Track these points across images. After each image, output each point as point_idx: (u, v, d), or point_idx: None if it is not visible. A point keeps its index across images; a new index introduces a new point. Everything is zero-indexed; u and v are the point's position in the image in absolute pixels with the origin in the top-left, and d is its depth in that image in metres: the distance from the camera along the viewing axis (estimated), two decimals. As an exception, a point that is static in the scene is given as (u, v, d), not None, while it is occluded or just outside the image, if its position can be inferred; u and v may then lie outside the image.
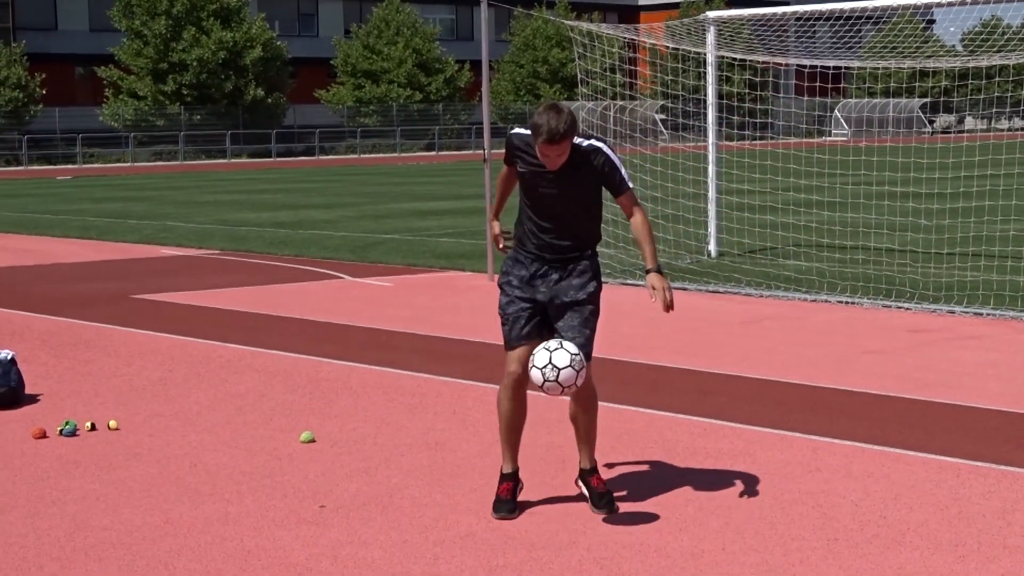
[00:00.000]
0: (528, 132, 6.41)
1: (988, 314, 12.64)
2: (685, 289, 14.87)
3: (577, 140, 6.39)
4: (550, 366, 6.18)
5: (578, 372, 6.21)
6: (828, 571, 5.68)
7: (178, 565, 5.88)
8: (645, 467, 7.43)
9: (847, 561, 5.79)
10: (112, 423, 8.54)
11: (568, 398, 6.61)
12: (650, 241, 6.55)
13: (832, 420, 8.49)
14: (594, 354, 10.76)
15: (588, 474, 6.72)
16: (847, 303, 13.58)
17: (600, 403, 8.97)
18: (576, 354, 6.22)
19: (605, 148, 6.45)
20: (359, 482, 7.19)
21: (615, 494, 6.74)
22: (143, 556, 6.00)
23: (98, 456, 7.84)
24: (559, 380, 6.18)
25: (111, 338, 12.19)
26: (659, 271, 6.51)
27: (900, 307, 13.21)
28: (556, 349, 6.22)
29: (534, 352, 6.29)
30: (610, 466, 7.44)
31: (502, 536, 6.22)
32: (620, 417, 8.65)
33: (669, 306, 6.48)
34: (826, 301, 13.75)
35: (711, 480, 7.12)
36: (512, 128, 6.65)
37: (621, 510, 6.58)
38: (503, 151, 6.78)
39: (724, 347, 11.31)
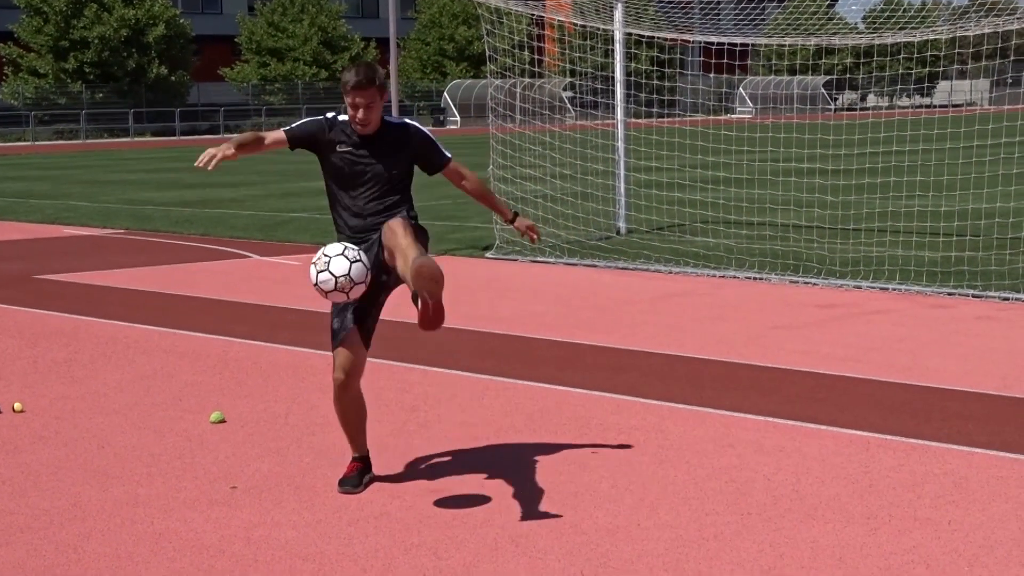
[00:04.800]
0: (346, 119, 6.49)
1: (894, 289, 12.79)
2: (595, 266, 14.90)
3: (388, 118, 6.49)
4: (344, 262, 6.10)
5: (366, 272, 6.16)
6: (742, 546, 5.70)
7: (88, 548, 5.78)
8: (559, 444, 7.42)
9: (761, 535, 5.83)
10: (17, 405, 8.39)
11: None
12: (493, 192, 6.85)
13: (744, 395, 8.54)
14: (504, 332, 10.79)
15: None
16: (755, 279, 13.68)
17: (511, 380, 9.03)
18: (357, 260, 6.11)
19: (417, 124, 6.57)
20: (271, 462, 7.12)
21: (529, 472, 6.75)
22: (51, 540, 5.89)
23: (3, 439, 7.69)
24: (351, 275, 6.07)
25: (14, 319, 11.98)
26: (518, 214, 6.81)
27: (808, 283, 13.33)
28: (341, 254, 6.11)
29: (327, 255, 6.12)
30: (523, 444, 7.43)
31: (417, 515, 6.18)
32: (532, 395, 8.65)
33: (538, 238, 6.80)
34: (734, 277, 13.83)
35: (625, 457, 7.14)
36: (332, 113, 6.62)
37: (537, 487, 6.56)
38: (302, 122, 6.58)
39: (635, 324, 11.34)
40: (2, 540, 5.91)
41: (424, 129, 6.57)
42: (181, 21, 69.35)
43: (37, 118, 65.19)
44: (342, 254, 6.07)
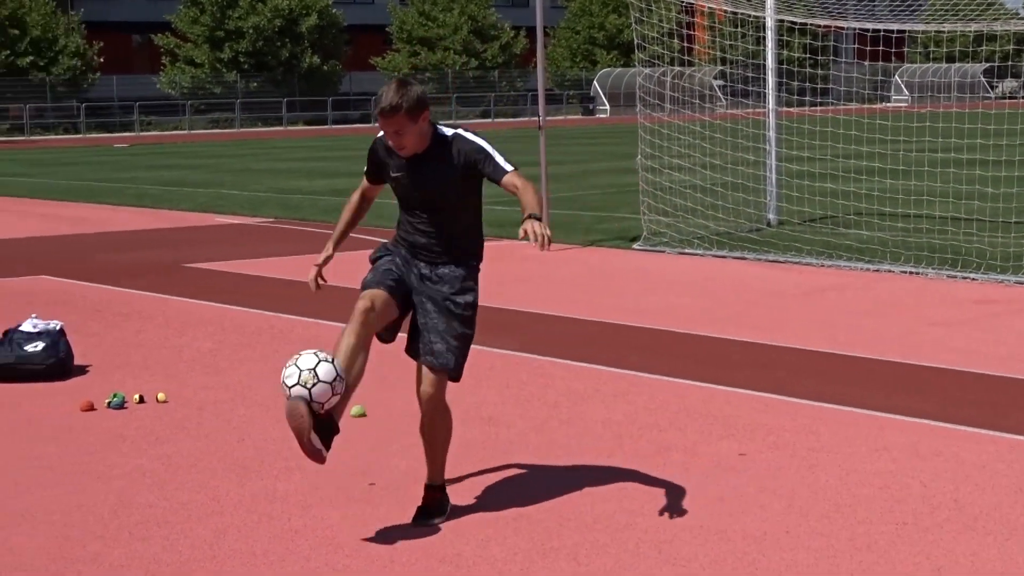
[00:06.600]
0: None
1: (1058, 285, 12.30)
2: (744, 259, 14.60)
3: (440, 131, 5.90)
4: (311, 371, 5.59)
5: (333, 393, 5.60)
6: (897, 557, 5.43)
7: (223, 545, 5.72)
8: (704, 445, 7.20)
9: (917, 546, 5.55)
10: (161, 395, 8.41)
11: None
12: (534, 192, 5.77)
13: (899, 396, 8.22)
14: (649, 326, 10.57)
15: (426, 488, 6.13)
16: (911, 273, 13.27)
17: (656, 376, 8.81)
18: (340, 378, 5.63)
19: (468, 133, 5.91)
20: (410, 459, 6.99)
21: (673, 473, 6.56)
22: (188, 535, 5.84)
23: (146, 430, 7.70)
24: (312, 393, 5.57)
25: (163, 308, 12.07)
26: (536, 218, 5.60)
27: (966, 277, 12.89)
28: (325, 361, 5.61)
29: (300, 355, 5.68)
30: (667, 444, 7.22)
31: (557, 517, 6.01)
32: (677, 392, 8.43)
33: (545, 244, 5.52)
34: (889, 271, 13.44)
35: (773, 459, 6.89)
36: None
37: (681, 489, 6.34)
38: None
39: (785, 319, 11.04)
40: (140, 534, 5.87)
41: (475, 139, 5.89)
42: (333, 11, 70.17)
43: (193, 107, 66.45)
44: (313, 355, 5.65)
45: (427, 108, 5.82)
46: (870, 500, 6.17)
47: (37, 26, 63.20)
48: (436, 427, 6.07)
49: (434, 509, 6.06)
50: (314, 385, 5.59)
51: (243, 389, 8.71)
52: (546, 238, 5.53)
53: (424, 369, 5.98)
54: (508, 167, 5.86)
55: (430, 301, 5.98)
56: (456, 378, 6.02)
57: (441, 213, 5.99)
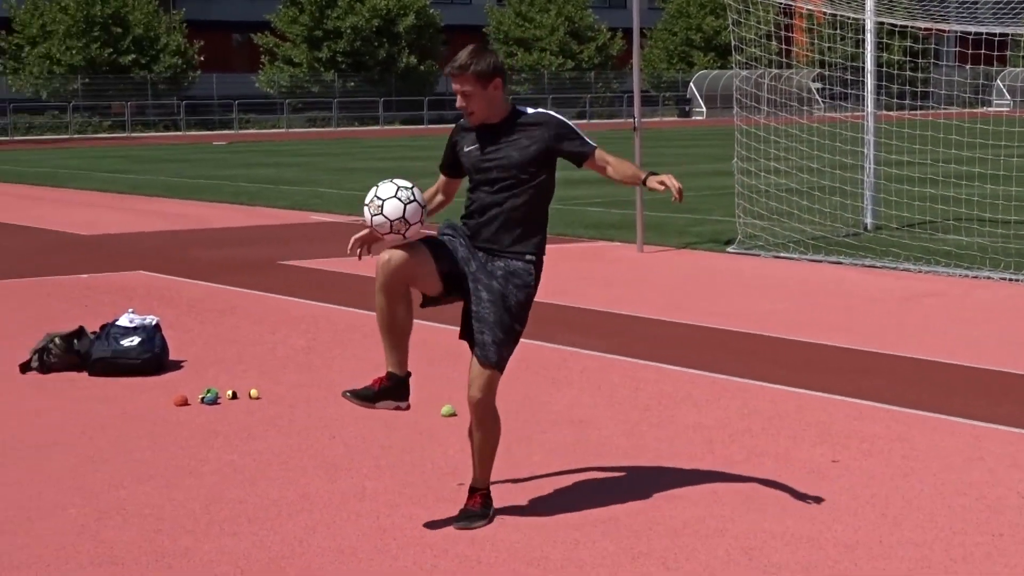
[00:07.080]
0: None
1: None
2: (840, 263, 14.43)
3: (520, 108, 5.97)
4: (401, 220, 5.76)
5: (422, 215, 5.77)
6: (993, 569, 5.33)
7: (312, 542, 5.74)
8: (797, 451, 7.11)
9: (1014, 559, 5.43)
10: (253, 392, 8.46)
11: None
12: (637, 167, 5.96)
13: (997, 405, 8.07)
14: (743, 330, 10.48)
15: (469, 491, 6.13)
16: (1011, 280, 13.04)
17: (749, 381, 8.72)
18: (422, 205, 5.79)
19: (554, 113, 5.99)
20: (499, 460, 6.91)
21: (764, 479, 6.49)
22: (277, 532, 5.87)
23: (238, 426, 7.75)
24: (406, 217, 5.73)
25: (257, 304, 12.17)
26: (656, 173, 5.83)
27: (1068, 285, 12.64)
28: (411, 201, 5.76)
29: (379, 184, 5.80)
30: (758, 451, 7.15)
31: (646, 521, 5.96)
32: (771, 397, 8.34)
33: (680, 192, 5.70)
34: (989, 278, 13.21)
35: (867, 467, 6.78)
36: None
37: (772, 496, 6.28)
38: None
39: (881, 325, 10.89)
40: (230, 530, 5.91)
41: (563, 118, 5.98)
42: (431, 11, 70.48)
43: (291, 106, 67.05)
44: (395, 196, 5.74)
45: (500, 76, 5.87)
46: (965, 510, 6.06)
47: (140, 24, 64.14)
48: (484, 429, 6.05)
49: (475, 513, 6.02)
50: (407, 229, 5.79)
51: (335, 387, 8.72)
52: (681, 190, 5.73)
53: (473, 364, 6.04)
54: (593, 144, 5.95)
55: (486, 290, 5.98)
56: (499, 369, 6.04)
57: (506, 191, 5.91)
